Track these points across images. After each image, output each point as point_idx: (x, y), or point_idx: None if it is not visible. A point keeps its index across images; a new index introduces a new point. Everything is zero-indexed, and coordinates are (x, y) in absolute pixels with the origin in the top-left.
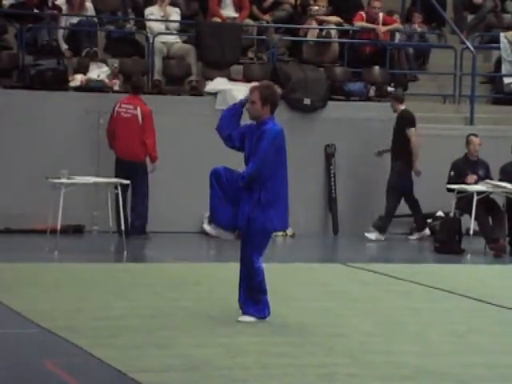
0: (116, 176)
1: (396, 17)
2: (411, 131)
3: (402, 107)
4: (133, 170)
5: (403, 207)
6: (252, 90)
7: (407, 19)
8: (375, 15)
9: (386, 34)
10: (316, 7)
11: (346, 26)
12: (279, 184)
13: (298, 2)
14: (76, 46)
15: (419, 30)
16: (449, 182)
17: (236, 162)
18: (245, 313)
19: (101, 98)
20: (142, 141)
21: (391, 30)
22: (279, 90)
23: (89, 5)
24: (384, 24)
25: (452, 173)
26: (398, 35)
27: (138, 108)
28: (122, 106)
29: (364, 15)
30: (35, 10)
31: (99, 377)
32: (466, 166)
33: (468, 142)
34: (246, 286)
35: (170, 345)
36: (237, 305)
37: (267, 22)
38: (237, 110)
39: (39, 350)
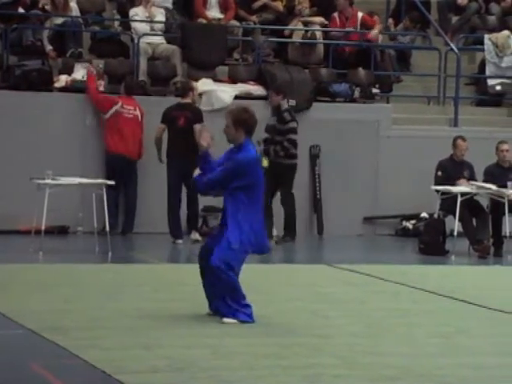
0: (108, 172)
1: (376, 18)
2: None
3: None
4: (130, 168)
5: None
6: (226, 114)
7: (395, 22)
8: (353, 13)
9: (375, 36)
10: (300, 7)
11: (330, 28)
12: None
13: (284, 2)
14: (61, 46)
15: (407, 32)
16: (436, 183)
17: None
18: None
19: (86, 98)
20: (140, 140)
21: (378, 33)
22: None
23: (73, 5)
24: (363, 24)
25: (439, 173)
26: (380, 36)
27: (137, 108)
28: (125, 107)
29: (337, 18)
30: (21, 11)
31: (85, 378)
32: (452, 167)
33: (455, 146)
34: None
35: (156, 346)
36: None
37: (254, 23)
38: (206, 166)
39: (24, 352)
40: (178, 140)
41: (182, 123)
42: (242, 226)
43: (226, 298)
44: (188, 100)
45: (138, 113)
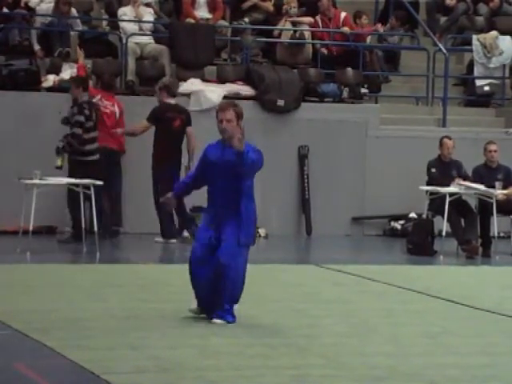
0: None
1: (364, 18)
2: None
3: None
4: (112, 159)
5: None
6: (224, 110)
7: (380, 21)
8: (336, 13)
9: (365, 36)
10: (287, 6)
11: (320, 28)
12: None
13: (272, 1)
14: (48, 46)
15: (394, 32)
16: (430, 179)
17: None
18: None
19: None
20: (116, 136)
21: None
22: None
23: (73, 9)
24: (346, 24)
25: (433, 169)
26: (369, 37)
27: (116, 104)
28: (103, 101)
29: (319, 20)
30: (5, 10)
31: (72, 379)
32: (441, 168)
33: (441, 144)
34: None
35: (143, 346)
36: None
37: (245, 23)
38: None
39: (11, 352)
40: (172, 141)
41: (178, 125)
42: (251, 217)
43: (225, 299)
44: (173, 101)
45: (115, 109)
